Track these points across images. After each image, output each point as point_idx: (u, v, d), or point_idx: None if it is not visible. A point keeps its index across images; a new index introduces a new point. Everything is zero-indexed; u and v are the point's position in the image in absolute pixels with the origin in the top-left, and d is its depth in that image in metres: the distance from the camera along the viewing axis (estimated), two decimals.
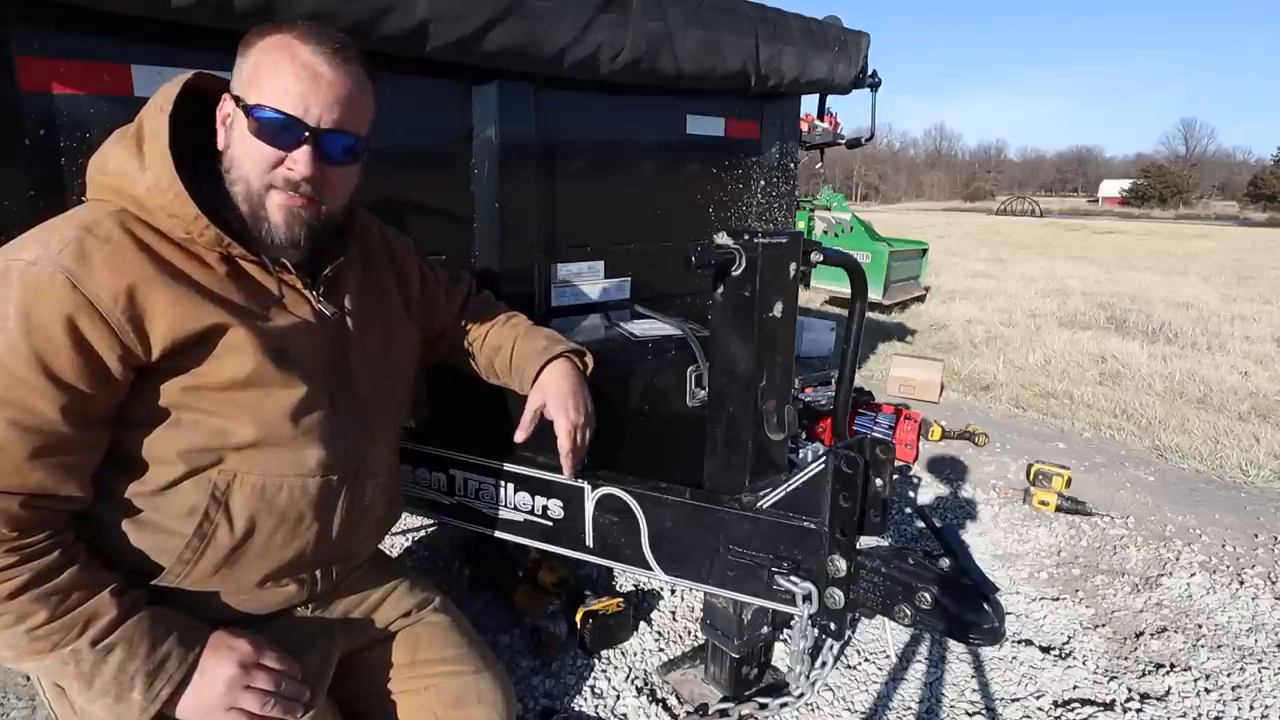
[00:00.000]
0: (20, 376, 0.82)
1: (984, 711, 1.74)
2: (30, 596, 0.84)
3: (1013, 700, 1.77)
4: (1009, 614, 2.12)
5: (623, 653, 1.89)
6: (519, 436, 1.31)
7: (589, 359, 1.39)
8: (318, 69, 0.93)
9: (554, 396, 1.30)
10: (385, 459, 1.21)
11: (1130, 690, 1.81)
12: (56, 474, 0.86)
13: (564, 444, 1.30)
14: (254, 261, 0.98)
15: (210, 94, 0.98)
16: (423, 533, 2.44)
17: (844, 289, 5.57)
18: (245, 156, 0.93)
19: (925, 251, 8.19)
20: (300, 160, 0.93)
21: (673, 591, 2.14)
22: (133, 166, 0.90)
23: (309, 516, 1.05)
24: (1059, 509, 2.78)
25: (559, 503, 1.49)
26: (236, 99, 0.93)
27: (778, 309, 1.31)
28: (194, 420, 0.94)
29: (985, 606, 1.13)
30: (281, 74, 0.91)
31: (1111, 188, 71.71)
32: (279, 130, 0.92)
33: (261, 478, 0.99)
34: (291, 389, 0.99)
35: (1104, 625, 2.09)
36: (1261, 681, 1.86)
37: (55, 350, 0.83)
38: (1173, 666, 1.91)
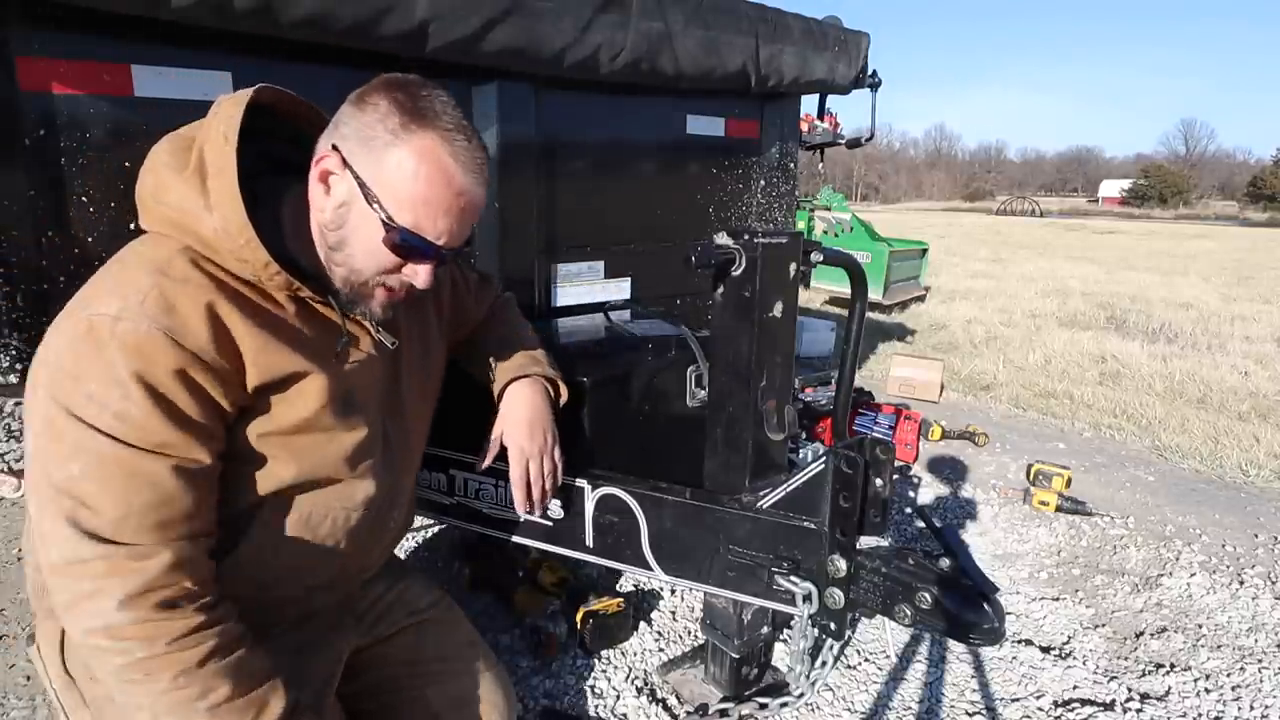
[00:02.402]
0: (166, 434, 0.81)
1: (984, 711, 1.73)
2: (216, 668, 0.83)
3: (1013, 700, 1.77)
4: (1009, 614, 2.12)
5: (623, 653, 1.89)
6: (480, 465, 1.28)
7: (563, 389, 1.32)
8: (470, 197, 0.90)
9: (510, 421, 1.25)
10: (412, 481, 1.22)
11: (1130, 690, 1.81)
12: (208, 514, 0.87)
13: (514, 473, 1.24)
14: (320, 301, 0.95)
15: (271, 104, 0.94)
16: (423, 533, 2.45)
17: (844, 289, 5.57)
18: (365, 253, 0.90)
19: (925, 251, 8.19)
20: (422, 274, 0.92)
21: (673, 591, 2.14)
22: (196, 204, 0.85)
23: (344, 543, 1.06)
24: (1059, 509, 2.78)
25: (559, 503, 1.49)
26: (365, 189, 0.86)
27: (778, 309, 1.31)
28: (259, 458, 0.93)
29: (985, 606, 1.13)
30: (435, 201, 0.87)
31: (1111, 188, 71.67)
32: (414, 250, 0.89)
33: (309, 509, 1.00)
34: (353, 432, 1.00)
35: (1104, 625, 2.09)
36: (1261, 681, 1.86)
37: (183, 402, 0.82)
38: (1173, 666, 1.91)
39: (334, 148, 0.88)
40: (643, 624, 1.99)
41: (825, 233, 8.13)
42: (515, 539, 1.54)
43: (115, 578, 0.79)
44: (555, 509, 1.47)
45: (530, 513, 1.28)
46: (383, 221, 0.86)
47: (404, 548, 2.39)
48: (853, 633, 1.98)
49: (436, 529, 2.44)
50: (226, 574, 0.95)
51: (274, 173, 0.94)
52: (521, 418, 1.25)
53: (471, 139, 0.89)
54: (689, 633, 1.98)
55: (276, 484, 0.95)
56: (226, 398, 0.86)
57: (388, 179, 0.86)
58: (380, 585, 1.26)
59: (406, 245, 0.89)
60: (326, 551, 1.04)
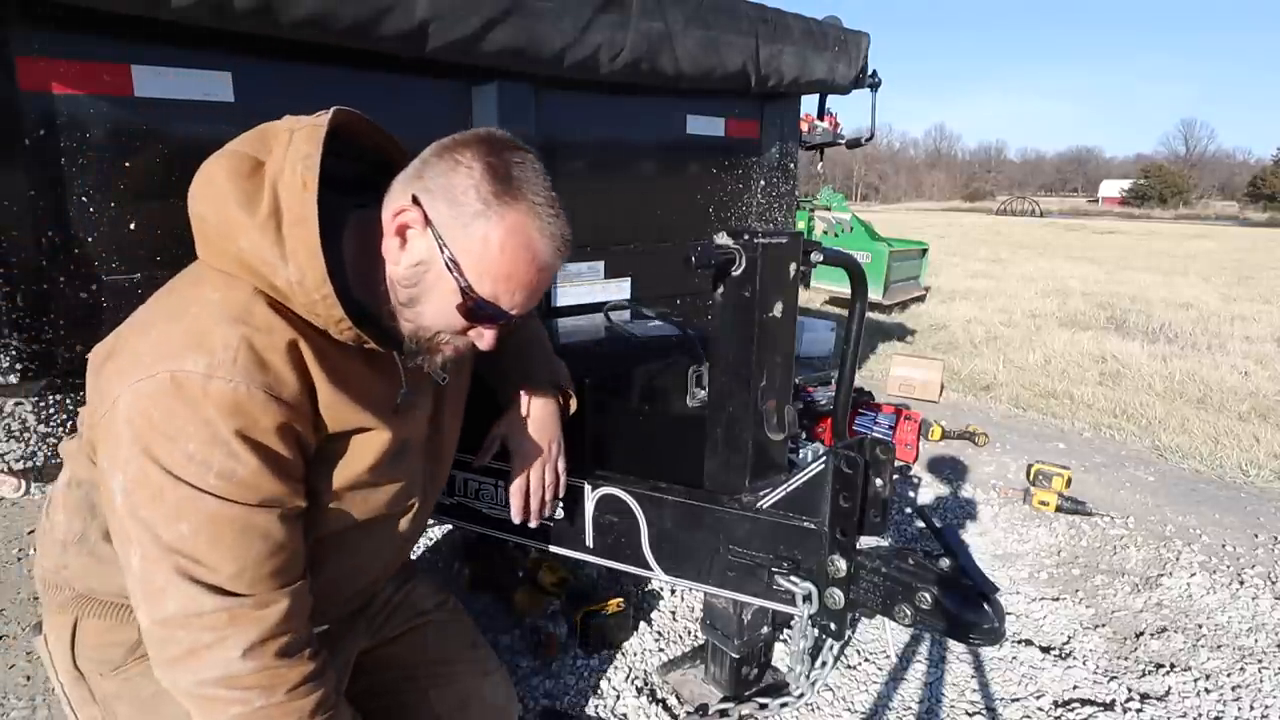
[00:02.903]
0: (273, 488, 0.81)
1: (984, 711, 1.73)
2: (324, 719, 0.85)
3: (1013, 700, 1.77)
4: (1009, 614, 2.12)
5: (623, 653, 1.89)
6: (476, 462, 1.28)
7: (573, 400, 1.30)
8: (550, 272, 0.89)
9: (515, 425, 1.23)
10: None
11: (1130, 690, 1.81)
12: (305, 555, 0.88)
13: (514, 481, 1.24)
14: (383, 351, 0.93)
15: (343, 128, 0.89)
16: (423, 533, 2.44)
17: (844, 289, 5.57)
18: (436, 313, 0.88)
19: (925, 251, 8.19)
20: (488, 337, 0.92)
21: (673, 591, 2.14)
22: (272, 254, 0.80)
23: (375, 566, 1.08)
24: (1059, 509, 2.78)
25: (559, 503, 1.49)
26: (447, 254, 0.84)
27: (778, 309, 1.31)
28: (317, 503, 0.92)
29: (985, 606, 1.13)
30: (517, 277, 0.86)
31: (1111, 188, 71.62)
32: (487, 317, 0.89)
33: (343, 546, 1.00)
34: (399, 482, 0.99)
35: (1104, 625, 2.09)
36: (1261, 681, 1.86)
37: (286, 454, 0.82)
38: (1173, 666, 1.91)
39: (415, 201, 0.84)
40: (643, 624, 1.99)
41: (825, 233, 8.13)
42: (515, 539, 1.54)
43: (236, 627, 0.79)
44: (557, 510, 1.47)
45: (525, 521, 1.27)
46: (461, 289, 0.85)
47: None
48: (853, 633, 1.98)
49: (437, 529, 2.44)
50: None
51: (332, 190, 0.86)
52: (527, 423, 1.24)
53: (559, 214, 0.87)
54: (689, 633, 1.98)
55: (319, 530, 0.94)
56: (314, 442, 0.86)
57: (472, 249, 0.84)
58: (389, 587, 1.27)
59: (484, 314, 0.88)
60: (354, 576, 1.06)
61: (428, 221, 0.84)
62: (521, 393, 1.25)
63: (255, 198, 0.82)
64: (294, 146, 0.83)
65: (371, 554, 1.06)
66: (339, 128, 0.89)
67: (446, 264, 0.84)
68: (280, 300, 0.83)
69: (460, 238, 0.83)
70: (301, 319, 0.84)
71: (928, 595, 1.15)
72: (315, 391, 0.85)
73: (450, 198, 0.83)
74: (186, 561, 0.78)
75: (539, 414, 1.24)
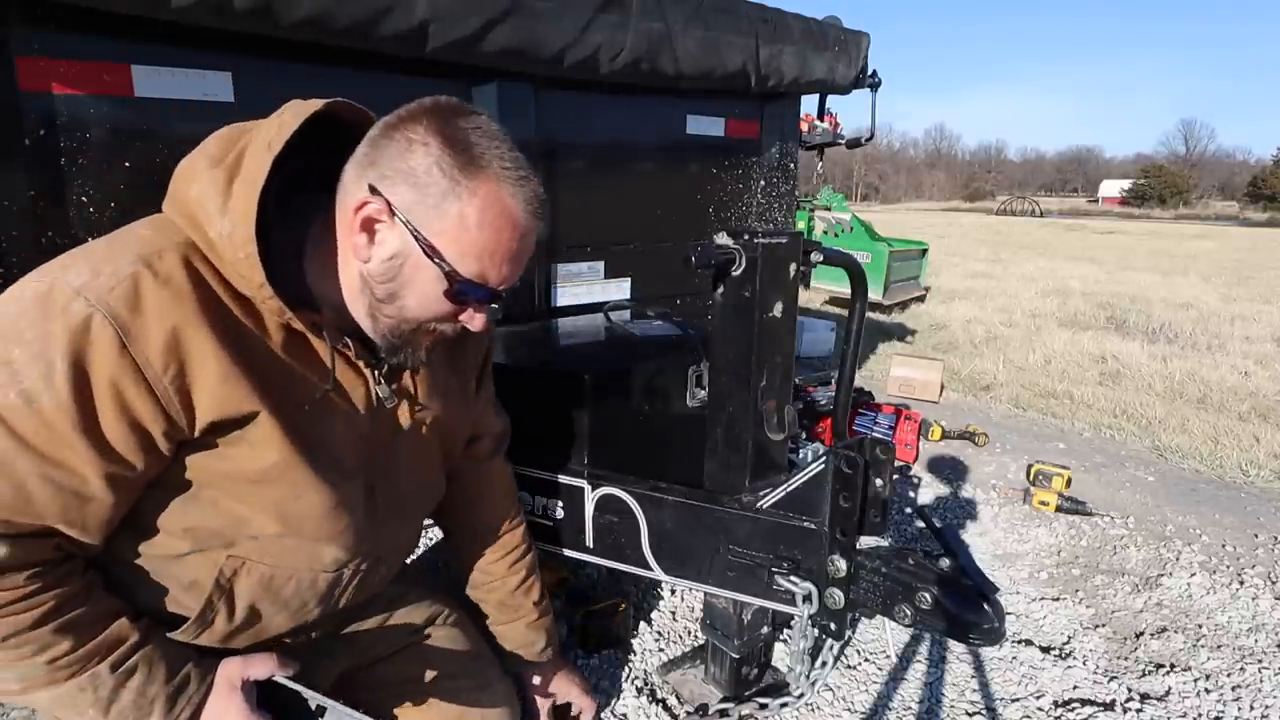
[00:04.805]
0: (65, 436, 0.74)
1: (984, 711, 1.73)
2: (54, 627, 0.79)
3: (1013, 700, 1.77)
4: (1009, 614, 2.12)
5: (623, 653, 1.89)
6: None
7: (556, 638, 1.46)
8: (532, 238, 0.86)
9: (563, 691, 1.42)
10: (409, 540, 1.18)
11: (1130, 690, 1.81)
12: (80, 529, 0.80)
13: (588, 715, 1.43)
14: (315, 335, 0.87)
15: (334, 117, 0.86)
16: (422, 533, 2.44)
17: (844, 289, 5.56)
18: (420, 305, 0.85)
19: (925, 251, 8.19)
20: (479, 319, 0.89)
21: (673, 591, 2.14)
22: (214, 204, 0.78)
23: (312, 604, 1.01)
24: (1059, 509, 2.78)
25: (559, 503, 1.50)
26: (423, 242, 0.80)
27: (778, 309, 1.31)
28: (213, 500, 0.87)
29: (985, 606, 1.13)
30: (500, 249, 0.83)
31: (1111, 188, 71.66)
32: (476, 299, 0.86)
33: (272, 569, 0.94)
34: (324, 491, 0.91)
35: (1104, 625, 2.09)
36: (1261, 681, 1.86)
37: (102, 415, 0.75)
38: (1173, 666, 1.91)
39: (375, 191, 0.80)
40: (643, 624, 1.99)
41: (825, 233, 8.13)
42: None
43: None
44: (557, 510, 1.48)
45: None
46: (445, 274, 0.81)
47: None
48: (853, 633, 1.98)
49: (437, 529, 2.44)
50: (193, 634, 0.92)
51: (314, 189, 0.87)
52: (576, 684, 1.45)
53: (529, 174, 0.84)
54: (689, 633, 1.98)
55: (236, 530, 0.89)
56: (162, 428, 0.78)
57: (449, 230, 0.80)
58: (380, 600, 1.22)
59: (471, 297, 0.85)
60: (294, 613, 1.00)
61: (393, 211, 0.80)
62: (549, 671, 1.42)
63: (223, 154, 0.81)
64: (280, 117, 0.82)
65: (306, 585, 0.97)
66: (346, 123, 0.87)
67: (424, 251, 0.80)
68: (212, 259, 0.80)
69: (433, 221, 0.80)
70: (225, 286, 0.80)
71: (928, 595, 1.15)
72: (191, 370, 0.77)
73: (412, 180, 0.79)
74: None
75: (571, 673, 1.46)
